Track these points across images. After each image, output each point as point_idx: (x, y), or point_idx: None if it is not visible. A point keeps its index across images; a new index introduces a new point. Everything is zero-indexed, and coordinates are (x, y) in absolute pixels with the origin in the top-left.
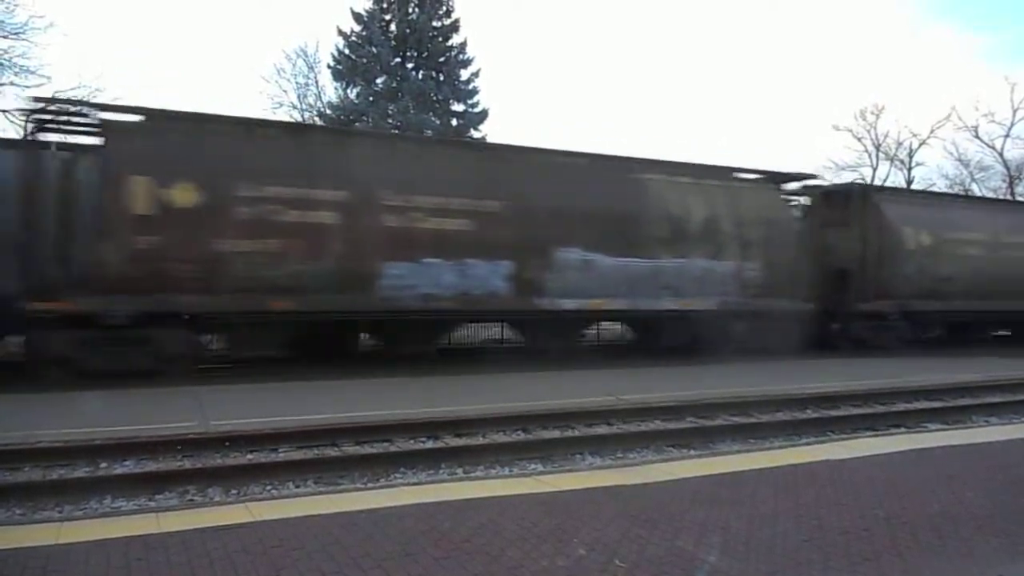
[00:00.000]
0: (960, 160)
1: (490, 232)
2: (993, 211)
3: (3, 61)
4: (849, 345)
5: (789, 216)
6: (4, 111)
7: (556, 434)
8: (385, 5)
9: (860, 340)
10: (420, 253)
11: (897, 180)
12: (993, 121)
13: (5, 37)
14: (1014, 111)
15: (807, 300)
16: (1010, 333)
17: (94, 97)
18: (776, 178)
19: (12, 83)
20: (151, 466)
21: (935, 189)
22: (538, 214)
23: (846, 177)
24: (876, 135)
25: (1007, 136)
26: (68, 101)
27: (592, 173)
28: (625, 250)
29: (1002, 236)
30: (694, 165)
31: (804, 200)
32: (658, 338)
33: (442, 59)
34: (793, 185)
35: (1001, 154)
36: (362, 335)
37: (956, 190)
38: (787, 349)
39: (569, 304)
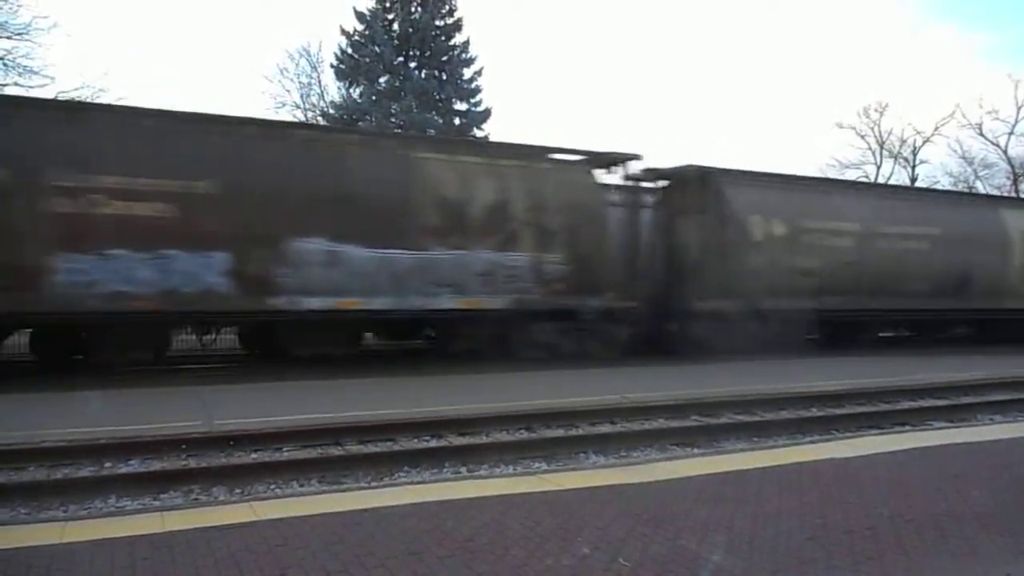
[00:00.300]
0: (964, 158)
1: (199, 219)
2: (866, 197)
3: (7, 62)
4: (688, 348)
5: (604, 202)
6: None
7: (560, 433)
8: (388, 4)
9: (700, 342)
10: (105, 244)
11: (901, 177)
12: (997, 119)
13: (9, 38)
14: (1018, 108)
15: (631, 297)
16: (910, 333)
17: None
18: (593, 159)
19: (16, 83)
20: (155, 465)
21: (790, 172)
22: (267, 198)
23: (850, 175)
24: (880, 133)
25: (1011, 133)
26: None
27: (344, 151)
28: (387, 241)
29: (877, 226)
30: (482, 143)
31: (647, 185)
32: (445, 341)
33: (445, 58)
34: (638, 167)
35: (1005, 151)
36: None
37: (960, 187)
38: (604, 353)
39: (315, 303)
